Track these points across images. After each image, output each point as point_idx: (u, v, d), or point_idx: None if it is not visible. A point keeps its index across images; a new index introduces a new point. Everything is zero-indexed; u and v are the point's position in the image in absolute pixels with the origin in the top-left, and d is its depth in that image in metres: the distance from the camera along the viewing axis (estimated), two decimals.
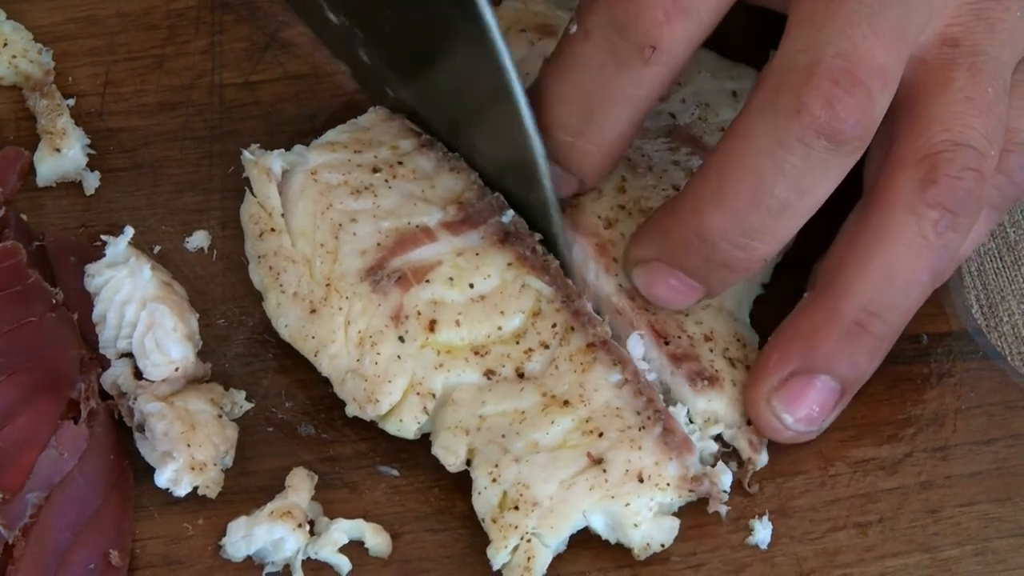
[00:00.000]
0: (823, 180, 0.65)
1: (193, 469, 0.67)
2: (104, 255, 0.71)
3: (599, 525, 0.67)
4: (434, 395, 0.68)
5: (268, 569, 0.67)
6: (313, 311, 0.69)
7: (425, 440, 0.69)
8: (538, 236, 0.71)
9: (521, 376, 0.69)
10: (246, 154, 0.72)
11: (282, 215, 0.71)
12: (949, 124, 0.66)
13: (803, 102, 0.63)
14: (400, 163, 0.73)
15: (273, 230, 0.71)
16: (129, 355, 0.69)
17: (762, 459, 0.70)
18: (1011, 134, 0.68)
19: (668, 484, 0.67)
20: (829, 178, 0.65)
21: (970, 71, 0.66)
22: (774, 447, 0.70)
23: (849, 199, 0.68)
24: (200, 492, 0.67)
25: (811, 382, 0.68)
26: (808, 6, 0.65)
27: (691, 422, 0.70)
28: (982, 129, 0.66)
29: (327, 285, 0.70)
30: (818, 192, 0.65)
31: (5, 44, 0.76)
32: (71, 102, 0.76)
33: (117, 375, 0.69)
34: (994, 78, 0.67)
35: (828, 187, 0.65)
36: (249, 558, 0.67)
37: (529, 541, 0.66)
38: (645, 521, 0.67)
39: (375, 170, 0.72)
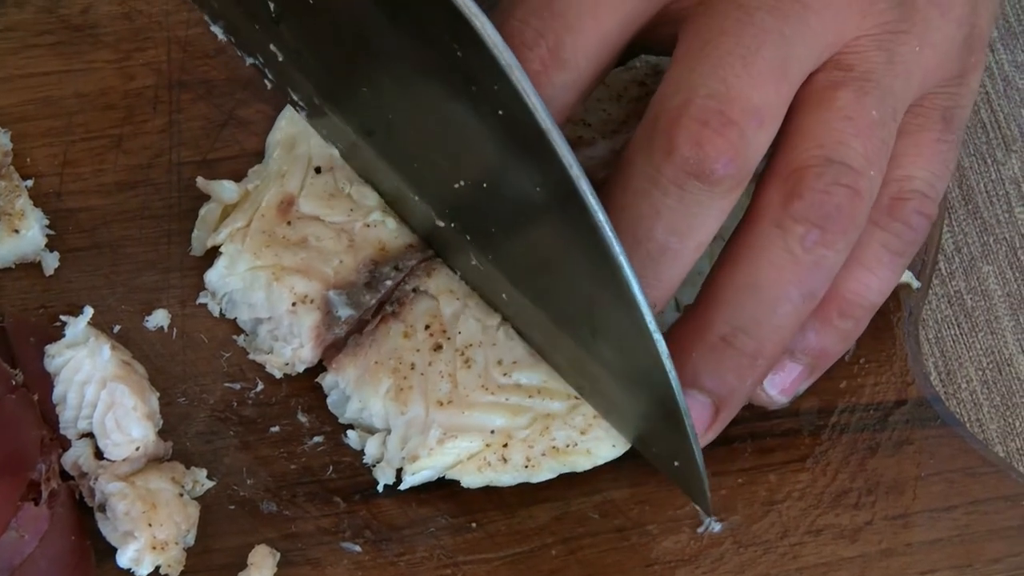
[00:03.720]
0: (702, 221, 0.64)
1: (155, 548, 0.67)
2: (64, 335, 0.71)
3: None
4: None
5: None
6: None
7: (387, 514, 0.69)
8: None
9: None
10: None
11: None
12: (824, 140, 0.65)
13: (673, 143, 0.62)
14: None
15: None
16: (90, 435, 0.69)
17: None
18: (904, 181, 0.67)
19: None
20: (709, 218, 0.64)
21: (856, 92, 0.65)
22: (735, 518, 0.70)
23: None
24: (162, 572, 0.67)
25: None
26: (685, 47, 0.64)
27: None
28: (860, 148, 0.65)
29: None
30: (699, 234, 0.64)
31: None
32: (29, 183, 0.75)
33: (78, 455, 0.69)
34: (881, 103, 0.66)
35: (709, 228, 0.64)
36: None
37: None
38: None
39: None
